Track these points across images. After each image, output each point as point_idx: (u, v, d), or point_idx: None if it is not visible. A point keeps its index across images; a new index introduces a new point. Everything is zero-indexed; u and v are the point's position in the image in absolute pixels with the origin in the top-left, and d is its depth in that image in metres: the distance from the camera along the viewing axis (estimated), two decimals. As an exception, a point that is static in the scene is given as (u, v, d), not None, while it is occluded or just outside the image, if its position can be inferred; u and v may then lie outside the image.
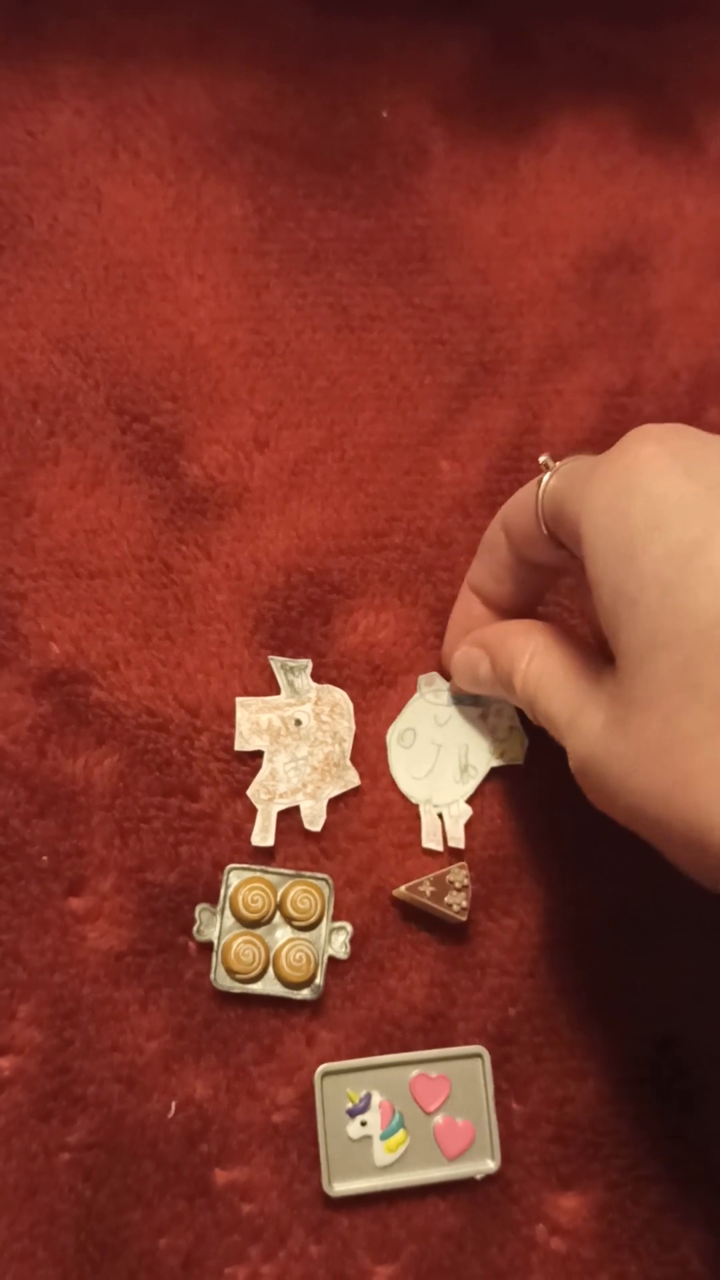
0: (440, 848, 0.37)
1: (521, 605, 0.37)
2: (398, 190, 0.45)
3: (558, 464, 0.32)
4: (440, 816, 0.37)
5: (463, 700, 0.39)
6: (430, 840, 0.37)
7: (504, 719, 0.38)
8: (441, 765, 0.38)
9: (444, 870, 0.36)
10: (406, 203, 0.45)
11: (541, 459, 0.33)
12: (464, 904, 0.35)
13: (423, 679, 0.39)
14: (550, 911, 0.37)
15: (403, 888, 0.36)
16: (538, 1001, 0.36)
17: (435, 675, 0.39)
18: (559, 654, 0.33)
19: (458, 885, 0.35)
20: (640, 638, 0.27)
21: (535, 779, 0.38)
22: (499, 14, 0.48)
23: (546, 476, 0.33)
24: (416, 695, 0.38)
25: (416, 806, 0.37)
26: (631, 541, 0.27)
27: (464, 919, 0.35)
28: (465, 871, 0.36)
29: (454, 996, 0.36)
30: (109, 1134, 0.33)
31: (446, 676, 0.39)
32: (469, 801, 0.38)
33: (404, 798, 0.37)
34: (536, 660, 0.33)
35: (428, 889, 0.35)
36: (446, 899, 0.35)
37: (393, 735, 0.38)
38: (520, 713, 0.38)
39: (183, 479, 0.40)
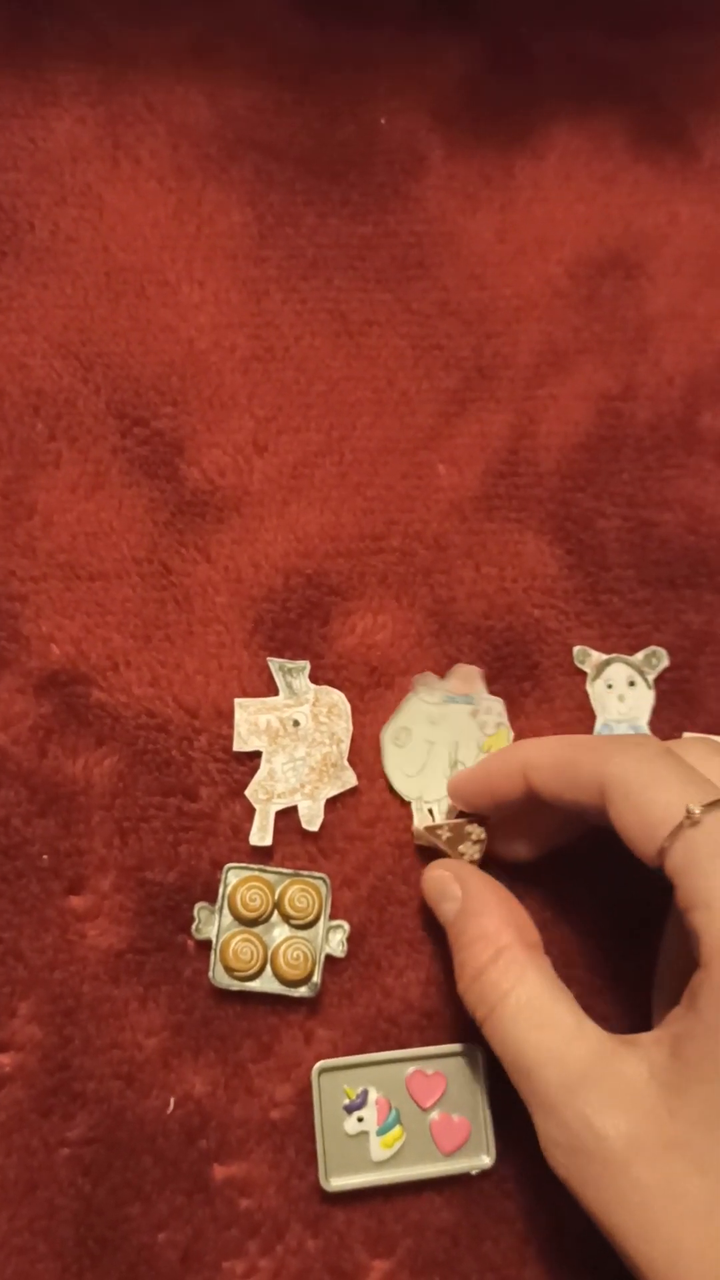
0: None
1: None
2: (395, 197, 0.45)
3: (699, 812, 0.29)
4: (430, 812, 0.38)
5: (455, 699, 0.39)
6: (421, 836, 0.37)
7: (493, 715, 0.39)
8: (433, 762, 0.38)
9: (461, 821, 0.36)
10: (404, 210, 0.45)
11: (691, 807, 0.29)
12: (475, 857, 0.36)
13: (417, 679, 0.39)
14: (540, 908, 0.37)
15: (422, 828, 0.36)
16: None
17: (429, 675, 0.39)
18: (549, 981, 0.30)
19: (474, 838, 0.36)
20: None
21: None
22: (495, 23, 0.49)
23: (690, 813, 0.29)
24: (411, 694, 0.39)
25: (410, 805, 0.38)
26: None
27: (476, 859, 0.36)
28: (482, 830, 0.36)
29: (450, 994, 0.36)
30: (108, 1130, 0.34)
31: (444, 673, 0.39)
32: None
33: (400, 799, 0.38)
34: (521, 985, 0.30)
35: (444, 834, 0.36)
36: (461, 848, 0.36)
37: (387, 734, 0.38)
38: (506, 708, 0.39)
39: (182, 483, 0.40)
